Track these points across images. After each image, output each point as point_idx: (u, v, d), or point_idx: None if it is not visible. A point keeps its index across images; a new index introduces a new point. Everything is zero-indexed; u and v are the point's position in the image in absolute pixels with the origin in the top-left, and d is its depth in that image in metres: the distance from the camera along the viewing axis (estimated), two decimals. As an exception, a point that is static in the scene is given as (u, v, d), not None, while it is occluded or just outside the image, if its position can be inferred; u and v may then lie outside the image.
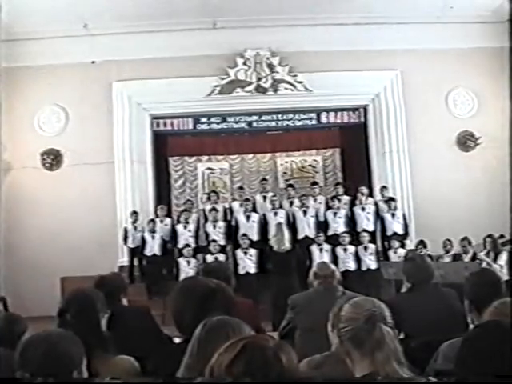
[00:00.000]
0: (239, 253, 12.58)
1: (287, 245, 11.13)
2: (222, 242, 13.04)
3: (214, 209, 13.42)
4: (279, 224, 11.94)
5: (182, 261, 12.71)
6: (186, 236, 13.20)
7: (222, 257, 12.40)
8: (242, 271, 12.36)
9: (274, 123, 15.58)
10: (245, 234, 12.71)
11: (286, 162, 15.93)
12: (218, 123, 15.53)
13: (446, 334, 3.42)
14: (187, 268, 12.45)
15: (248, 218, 13.14)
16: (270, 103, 15.08)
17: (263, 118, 15.52)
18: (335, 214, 13.11)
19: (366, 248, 12.58)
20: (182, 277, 12.01)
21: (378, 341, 2.22)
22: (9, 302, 10.41)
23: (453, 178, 14.32)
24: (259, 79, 14.92)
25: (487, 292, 3.38)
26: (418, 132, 14.68)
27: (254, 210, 13.49)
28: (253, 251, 12.53)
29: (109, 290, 4.12)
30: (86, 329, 3.06)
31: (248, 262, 12.44)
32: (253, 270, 12.41)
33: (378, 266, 12.16)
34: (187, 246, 12.88)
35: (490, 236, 11.39)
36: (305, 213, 13.07)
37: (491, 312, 2.88)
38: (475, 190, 14.18)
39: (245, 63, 14.92)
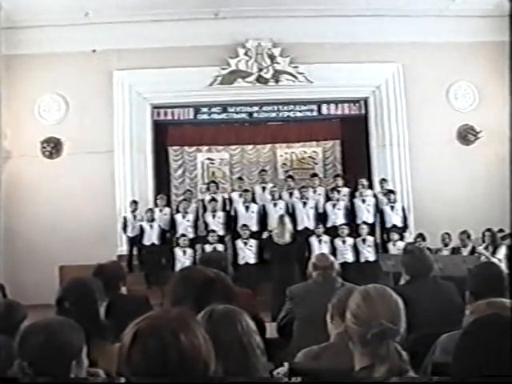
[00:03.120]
0: (239, 243, 12.59)
1: (287, 238, 11.07)
2: (221, 233, 13.05)
3: (213, 199, 13.41)
4: (282, 216, 11.90)
5: (178, 250, 12.69)
6: (184, 226, 13.20)
7: (220, 247, 12.38)
8: (241, 261, 12.39)
9: (274, 114, 15.56)
10: (245, 225, 12.71)
11: (286, 153, 15.92)
12: (218, 113, 15.52)
13: (444, 326, 3.43)
14: (183, 258, 12.45)
15: (247, 208, 13.14)
16: (270, 94, 15.04)
17: (264, 108, 15.52)
18: (334, 205, 13.10)
19: (364, 240, 12.59)
20: (177, 266, 12.03)
21: (382, 357, 2.18)
22: (7, 289, 10.40)
23: (452, 172, 14.32)
24: (260, 70, 14.89)
25: (488, 285, 3.38)
26: (419, 125, 14.66)
27: (254, 200, 13.49)
28: (253, 242, 12.54)
29: (107, 278, 4.13)
30: (85, 317, 3.06)
31: (248, 253, 12.45)
32: (252, 261, 12.43)
33: (377, 258, 12.17)
34: (183, 235, 12.87)
35: (488, 230, 11.40)
36: (304, 204, 13.07)
37: (476, 312, 2.88)
38: (475, 184, 14.18)
39: (246, 54, 14.88)
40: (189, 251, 12.65)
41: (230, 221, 13.23)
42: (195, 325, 1.68)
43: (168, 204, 14.24)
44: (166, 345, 1.59)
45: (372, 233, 12.96)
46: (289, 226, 11.30)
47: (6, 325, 3.58)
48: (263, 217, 13.11)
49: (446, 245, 12.19)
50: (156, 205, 13.86)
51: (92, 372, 2.58)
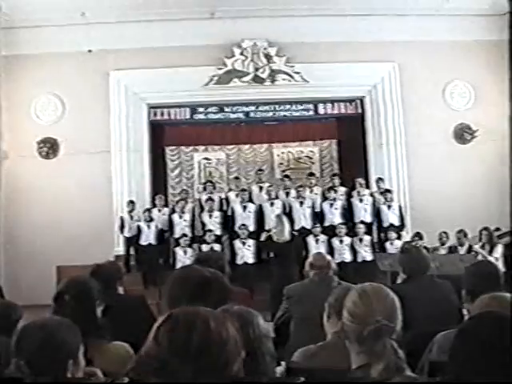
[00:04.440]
0: (237, 243, 12.61)
1: (287, 236, 11.15)
2: (218, 232, 13.05)
3: (209, 199, 13.41)
4: (279, 215, 11.96)
5: (178, 250, 12.72)
6: (181, 226, 13.20)
7: (217, 247, 12.40)
8: (239, 261, 12.41)
9: (271, 114, 15.55)
10: (244, 225, 12.72)
11: (283, 153, 15.92)
12: (215, 113, 15.51)
13: (440, 325, 3.43)
14: (184, 258, 12.45)
15: (244, 208, 13.15)
16: (267, 94, 15.05)
17: (260, 108, 15.51)
18: (331, 205, 13.10)
19: (361, 240, 12.60)
20: (178, 266, 12.01)
21: (378, 355, 2.18)
22: (4, 290, 10.41)
23: (449, 171, 14.33)
24: (256, 69, 14.89)
25: (485, 283, 3.38)
26: (415, 124, 14.67)
27: (251, 200, 13.49)
28: (251, 241, 12.56)
29: (104, 278, 4.13)
30: (83, 313, 3.08)
31: (246, 253, 12.47)
32: (251, 261, 12.45)
33: (374, 257, 12.17)
34: (184, 235, 12.88)
35: (485, 229, 11.42)
36: (301, 203, 13.07)
37: (479, 306, 2.88)
38: (471, 183, 14.19)
39: (242, 53, 14.87)
40: (189, 251, 12.67)
41: (227, 220, 13.24)
42: (230, 323, 1.68)
43: (165, 204, 14.23)
44: (194, 327, 1.60)
45: (369, 232, 12.97)
46: (287, 224, 11.36)
47: (3, 325, 3.58)
48: (260, 216, 13.11)
49: (442, 243, 12.19)
50: (154, 205, 13.87)
51: (89, 372, 2.58)
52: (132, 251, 13.60)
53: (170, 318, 1.66)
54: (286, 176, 14.47)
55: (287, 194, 13.63)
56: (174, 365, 1.54)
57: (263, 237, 12.59)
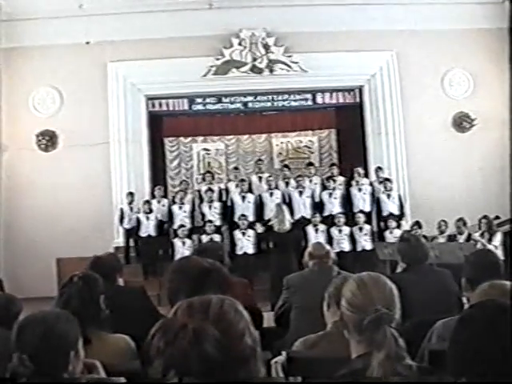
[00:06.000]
0: (237, 233, 12.59)
1: (287, 225, 11.16)
2: (218, 223, 13.04)
3: (209, 189, 13.41)
4: (279, 204, 11.96)
5: (177, 241, 12.72)
6: (181, 216, 13.20)
7: (217, 237, 12.38)
8: (239, 251, 12.40)
9: (269, 104, 15.56)
10: (243, 215, 12.70)
11: (282, 143, 15.92)
12: (213, 104, 15.51)
13: (440, 313, 3.44)
14: (182, 248, 12.46)
15: (244, 198, 13.14)
16: (265, 84, 15.03)
17: (258, 98, 15.51)
18: (330, 194, 13.10)
19: (361, 229, 12.59)
20: (177, 257, 12.01)
21: (379, 343, 2.17)
22: (4, 283, 10.43)
23: (448, 159, 14.33)
24: (254, 60, 14.86)
25: (485, 272, 3.38)
26: (414, 113, 14.65)
27: (250, 190, 13.49)
28: (251, 232, 12.55)
29: (104, 270, 4.14)
30: (87, 298, 3.12)
31: (246, 243, 12.46)
32: (251, 251, 12.44)
33: (373, 246, 12.18)
34: (182, 226, 12.88)
35: (485, 217, 11.41)
36: (300, 193, 13.07)
37: (478, 294, 2.88)
38: (470, 171, 14.19)
39: (240, 43, 14.84)
40: (188, 242, 12.68)
41: (227, 211, 13.23)
42: (241, 312, 1.70)
43: (164, 195, 14.24)
44: (209, 306, 1.64)
45: (368, 221, 12.97)
46: (287, 214, 11.36)
47: (3, 318, 3.59)
48: (260, 207, 13.11)
49: (442, 232, 12.18)
50: (153, 196, 13.88)
51: (88, 363, 2.58)
52: (132, 243, 13.62)
53: (187, 302, 1.70)
54: (285, 166, 14.47)
55: (287, 183, 13.63)
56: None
57: (260, 228, 12.60)
